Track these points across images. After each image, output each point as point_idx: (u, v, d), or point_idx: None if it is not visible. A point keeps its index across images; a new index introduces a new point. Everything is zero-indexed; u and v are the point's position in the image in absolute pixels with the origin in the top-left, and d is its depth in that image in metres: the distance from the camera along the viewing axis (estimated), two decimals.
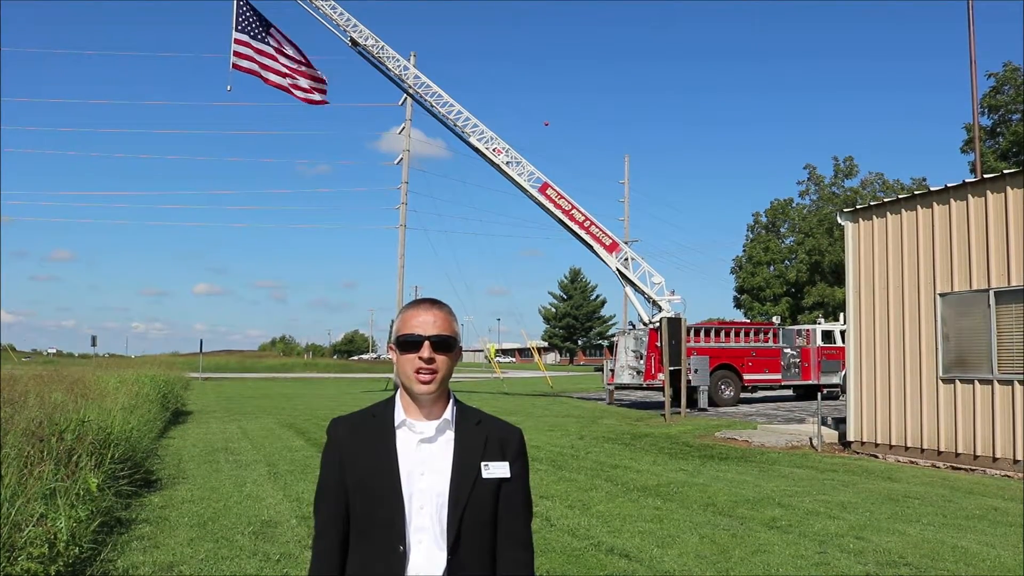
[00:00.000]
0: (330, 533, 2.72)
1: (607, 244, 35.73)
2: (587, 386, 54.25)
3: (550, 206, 35.77)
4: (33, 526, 7.34)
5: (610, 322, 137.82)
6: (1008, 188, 15.61)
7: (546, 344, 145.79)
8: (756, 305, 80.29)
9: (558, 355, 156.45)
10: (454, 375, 2.83)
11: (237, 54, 32.02)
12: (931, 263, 17.11)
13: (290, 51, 33.20)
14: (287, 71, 33.07)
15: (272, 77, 32.82)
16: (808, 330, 37.01)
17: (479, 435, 2.75)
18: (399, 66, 37.39)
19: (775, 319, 42.13)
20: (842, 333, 35.30)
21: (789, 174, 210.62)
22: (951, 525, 10.76)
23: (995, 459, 15.68)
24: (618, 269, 35.23)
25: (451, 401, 2.79)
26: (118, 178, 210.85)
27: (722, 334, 34.88)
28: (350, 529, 2.71)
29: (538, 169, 36.61)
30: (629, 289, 35.59)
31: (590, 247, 35.82)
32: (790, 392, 39.51)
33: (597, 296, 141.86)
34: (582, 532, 10.16)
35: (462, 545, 2.62)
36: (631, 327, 36.60)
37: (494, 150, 36.51)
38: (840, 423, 20.75)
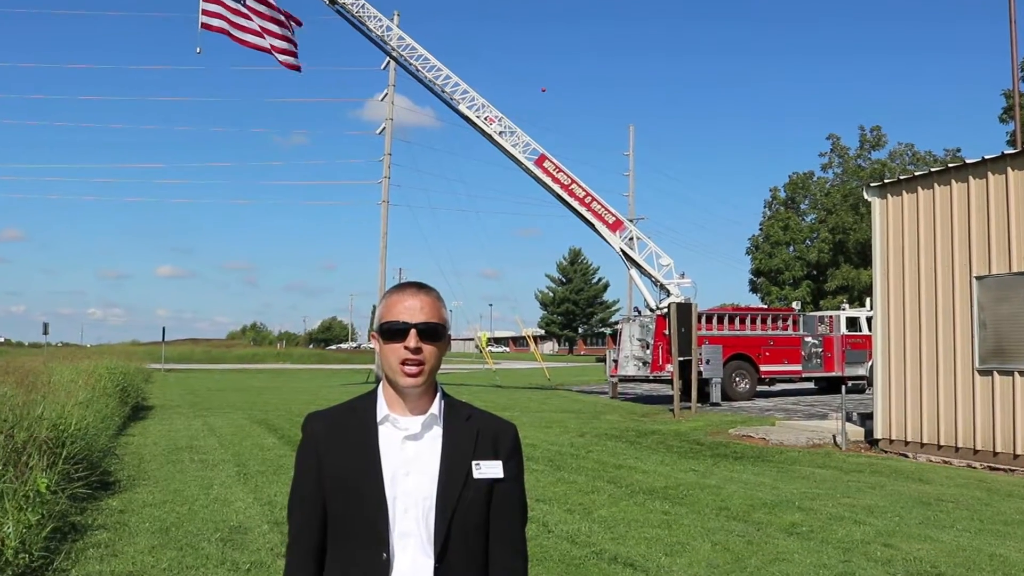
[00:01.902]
0: (305, 540, 2.72)
1: (610, 222, 35.74)
2: (588, 378, 54.29)
3: (547, 180, 35.76)
4: None
5: (613, 308, 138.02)
6: None
7: (543, 332, 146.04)
8: (774, 289, 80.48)
9: (556, 344, 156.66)
10: (442, 367, 2.82)
11: (206, 12, 31.81)
12: (966, 243, 17.09)
13: (264, 9, 32.96)
14: (263, 31, 32.87)
15: (246, 37, 32.61)
16: (831, 317, 37.07)
17: (469, 432, 2.75)
18: (381, 26, 37.32)
19: (795, 304, 42.18)
20: (869, 320, 35.33)
21: (810, 145, 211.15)
22: (988, 531, 10.78)
23: None
24: (622, 249, 35.25)
25: (439, 395, 2.77)
26: (73, 150, 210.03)
27: (737, 321, 34.90)
28: (328, 535, 2.70)
29: (534, 140, 36.69)
30: (634, 271, 35.62)
31: (591, 225, 35.82)
32: (811, 385, 39.57)
33: (599, 279, 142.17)
34: (582, 539, 10.17)
35: (451, 552, 2.62)
36: (637, 313, 36.63)
37: (486, 119, 36.46)
38: (866, 419, 20.76)
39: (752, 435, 21.09)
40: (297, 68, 34.15)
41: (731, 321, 34.75)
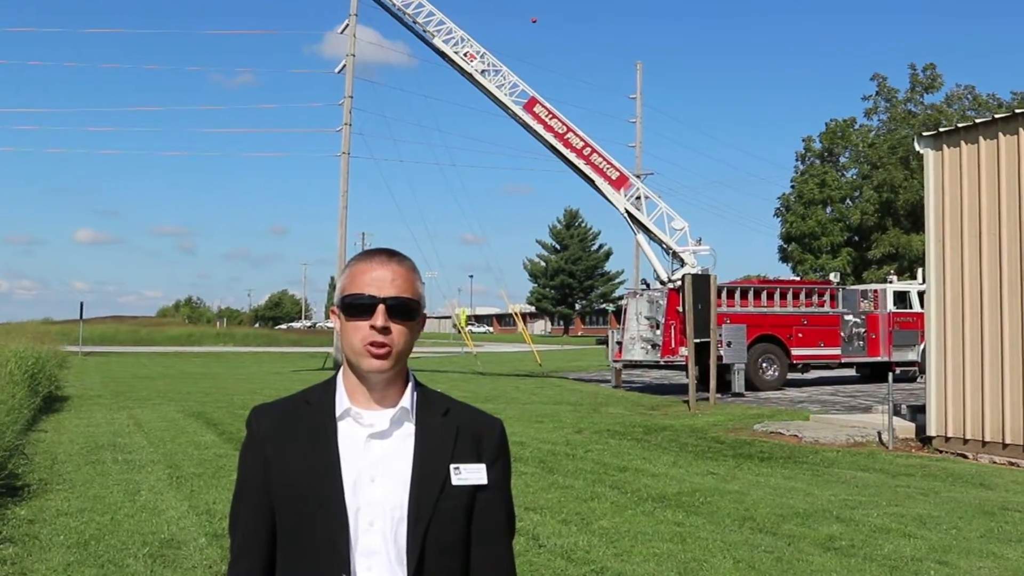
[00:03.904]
0: (250, 556, 2.72)
1: (613, 178, 35.70)
2: (587, 364, 54.40)
3: (538, 128, 35.68)
4: None
5: (617, 280, 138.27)
6: None
7: (533, 309, 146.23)
8: (808, 258, 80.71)
9: (549, 323, 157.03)
10: (414, 350, 2.80)
11: None
12: None
13: None
14: None
15: None
16: (876, 291, 37.14)
17: (447, 429, 2.74)
18: None
19: (833, 276, 42.22)
20: (921, 295, 35.36)
21: (852, 87, 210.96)
22: None
23: None
24: (627, 211, 35.23)
25: (411, 384, 2.77)
26: None
27: (764, 296, 34.91)
28: (277, 552, 2.70)
29: (523, 80, 36.55)
30: (642, 237, 35.61)
31: (591, 182, 35.78)
32: (852, 372, 39.67)
33: (600, 246, 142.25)
34: (580, 555, 10.18)
35: (425, 573, 2.62)
36: (644, 287, 36.67)
37: (465, 55, 36.35)
38: (918, 413, 20.83)
39: (782, 432, 21.16)
40: None
41: (757, 296, 34.76)
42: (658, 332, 33.66)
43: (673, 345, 32.60)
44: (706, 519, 12.14)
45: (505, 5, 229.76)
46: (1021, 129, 17.43)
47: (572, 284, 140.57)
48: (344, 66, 53.08)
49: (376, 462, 2.65)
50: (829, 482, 15.10)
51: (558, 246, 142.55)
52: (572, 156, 35.55)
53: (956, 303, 18.58)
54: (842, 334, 35.36)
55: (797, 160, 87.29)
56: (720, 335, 29.95)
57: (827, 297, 35.71)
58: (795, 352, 34.61)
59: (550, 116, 35.75)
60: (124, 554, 10.05)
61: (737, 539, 10.96)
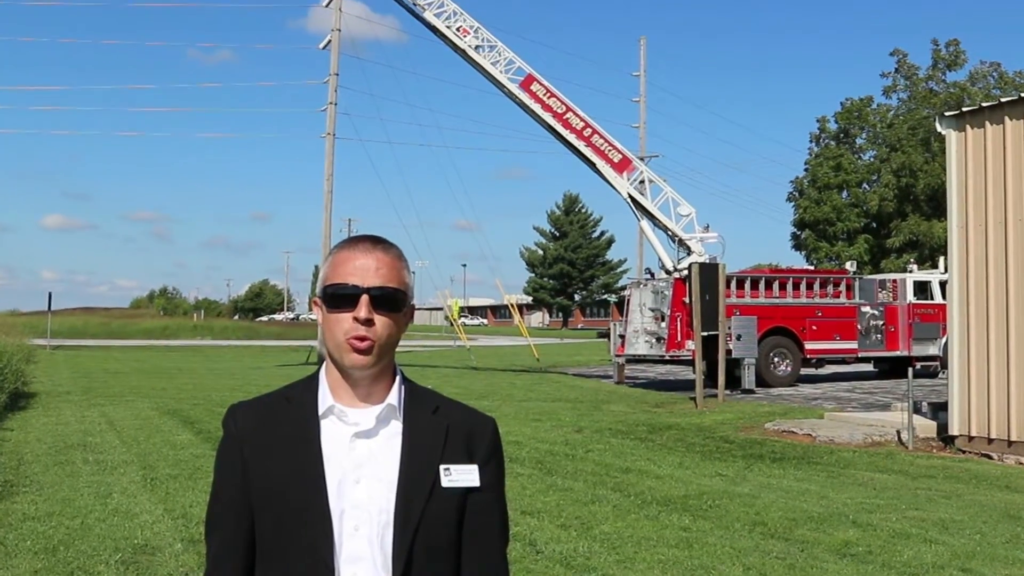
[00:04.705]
0: (228, 563, 2.72)
1: (615, 160, 35.70)
2: (587, 358, 54.48)
3: (536, 107, 35.68)
4: None
5: (619, 270, 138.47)
6: None
7: (530, 300, 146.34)
8: (823, 246, 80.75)
9: (547, 315, 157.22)
10: (401, 343, 2.80)
11: None
12: None
13: None
14: None
15: None
16: (895, 281, 37.14)
17: (437, 427, 2.74)
18: None
19: (849, 265, 42.15)
20: (943, 285, 35.38)
21: (869, 64, 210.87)
22: None
23: None
24: (630, 195, 35.23)
25: (398, 380, 2.77)
26: None
27: (775, 286, 34.92)
28: (256, 558, 2.70)
29: (520, 57, 36.49)
30: (646, 223, 35.63)
31: (592, 165, 35.79)
32: (869, 367, 39.68)
33: (602, 233, 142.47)
34: (580, 562, 10.19)
35: None
36: (649, 276, 36.66)
37: (458, 30, 36.32)
38: (939, 411, 20.85)
39: (795, 430, 21.19)
40: None
41: (768, 286, 34.76)
42: (663, 325, 33.64)
43: (679, 338, 32.58)
44: (714, 524, 12.15)
45: None
46: None
47: (572, 273, 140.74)
48: (329, 42, 53.03)
49: (361, 463, 2.65)
50: (845, 484, 15.12)
51: (557, 233, 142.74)
52: (572, 137, 35.55)
53: (980, 294, 18.58)
54: (859, 327, 35.33)
55: (811, 142, 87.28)
56: (729, 328, 29.95)
57: (843, 287, 35.72)
58: (809, 346, 34.59)
59: (548, 95, 35.74)
60: (95, 561, 10.04)
61: (747, 545, 10.97)
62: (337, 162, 53.00)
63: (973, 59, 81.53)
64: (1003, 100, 18.44)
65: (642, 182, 35.47)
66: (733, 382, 30.37)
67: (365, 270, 2.66)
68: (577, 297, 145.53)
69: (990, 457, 18.02)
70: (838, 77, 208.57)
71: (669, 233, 35.02)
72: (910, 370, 21.60)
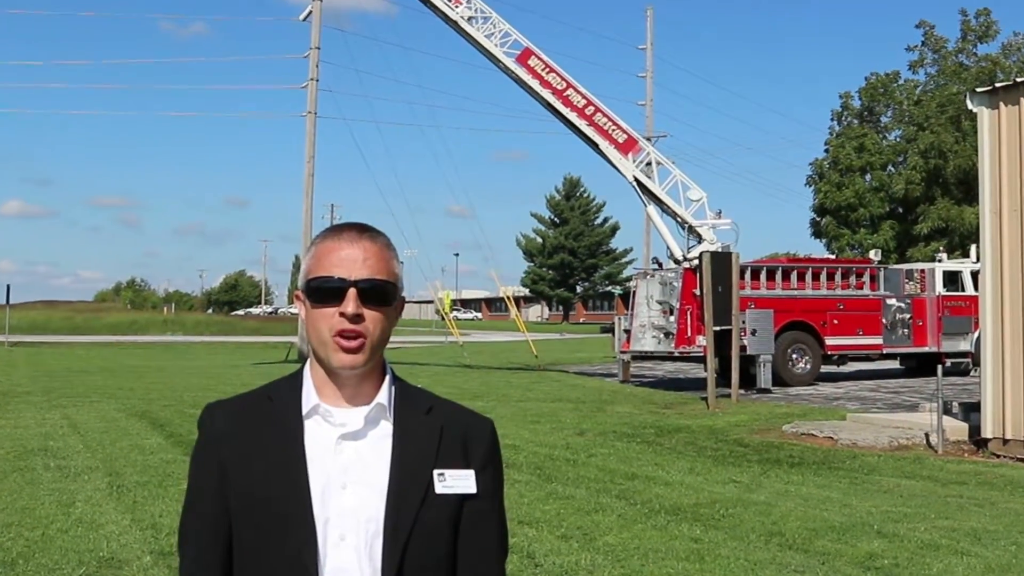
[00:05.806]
0: None
1: (620, 141, 35.69)
2: (590, 355, 54.56)
3: (534, 83, 35.66)
4: None
5: (624, 259, 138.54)
6: None
7: (528, 292, 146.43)
8: (844, 233, 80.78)
9: (546, 309, 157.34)
10: (391, 339, 2.79)
11: None
12: None
13: None
14: None
15: None
16: (923, 271, 37.16)
17: (430, 429, 2.74)
18: None
19: (873, 254, 42.16)
20: (975, 275, 35.35)
21: (895, 37, 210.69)
22: None
23: None
24: (636, 179, 35.23)
25: (388, 378, 2.77)
26: None
27: (794, 277, 34.93)
28: (234, 570, 2.70)
29: (516, 29, 36.46)
30: (653, 209, 35.64)
31: (595, 145, 35.78)
32: (895, 364, 39.74)
33: (605, 220, 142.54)
34: (582, 575, 10.19)
35: None
36: (656, 267, 36.66)
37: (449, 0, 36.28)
38: (971, 411, 20.86)
39: (815, 433, 21.20)
40: None
41: (786, 277, 34.78)
42: (672, 319, 33.66)
43: (689, 334, 32.62)
44: (727, 534, 12.16)
45: None
46: None
47: (573, 263, 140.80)
48: (310, 12, 53.02)
49: (348, 467, 2.64)
50: (869, 491, 15.13)
51: (557, 220, 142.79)
52: (572, 116, 35.53)
53: (1015, 284, 18.58)
54: (884, 321, 35.33)
55: (832, 120, 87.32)
56: (743, 322, 29.96)
57: (866, 278, 35.76)
58: (830, 341, 34.62)
59: (547, 70, 35.72)
60: (57, 574, 10.05)
61: (763, 557, 10.98)
62: (319, 143, 53.10)
63: (1006, 30, 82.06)
64: None
65: (649, 164, 35.46)
66: (748, 381, 30.41)
67: (352, 261, 2.66)
68: (579, 289, 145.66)
69: None
70: (862, 50, 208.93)
71: (678, 219, 35.04)
72: (939, 367, 21.69)
